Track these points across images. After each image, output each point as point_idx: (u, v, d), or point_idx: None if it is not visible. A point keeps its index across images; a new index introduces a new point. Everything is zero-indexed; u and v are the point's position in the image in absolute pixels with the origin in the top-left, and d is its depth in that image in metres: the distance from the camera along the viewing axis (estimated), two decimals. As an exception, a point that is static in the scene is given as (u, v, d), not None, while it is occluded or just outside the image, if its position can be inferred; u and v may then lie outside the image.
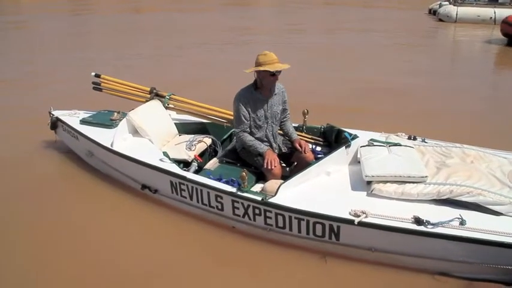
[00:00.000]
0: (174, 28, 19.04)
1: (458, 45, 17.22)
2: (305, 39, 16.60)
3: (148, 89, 5.83)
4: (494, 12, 20.69)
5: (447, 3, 23.02)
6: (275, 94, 4.63)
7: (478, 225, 3.50)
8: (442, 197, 3.80)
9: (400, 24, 20.79)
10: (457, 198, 3.76)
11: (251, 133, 4.59)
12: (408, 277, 3.72)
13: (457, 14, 21.49)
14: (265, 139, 4.67)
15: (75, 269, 3.99)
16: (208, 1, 29.44)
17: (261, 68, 4.31)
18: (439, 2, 24.35)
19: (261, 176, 4.58)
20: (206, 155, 5.25)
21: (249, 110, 4.50)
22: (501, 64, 13.98)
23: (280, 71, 4.39)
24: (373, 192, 3.96)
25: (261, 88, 4.54)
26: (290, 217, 3.91)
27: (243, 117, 4.50)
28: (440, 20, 22.34)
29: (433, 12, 24.63)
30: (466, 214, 3.62)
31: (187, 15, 23.85)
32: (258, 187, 4.39)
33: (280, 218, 3.97)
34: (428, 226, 3.52)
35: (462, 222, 3.53)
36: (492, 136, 6.68)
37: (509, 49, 15.28)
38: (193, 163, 4.95)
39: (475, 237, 3.42)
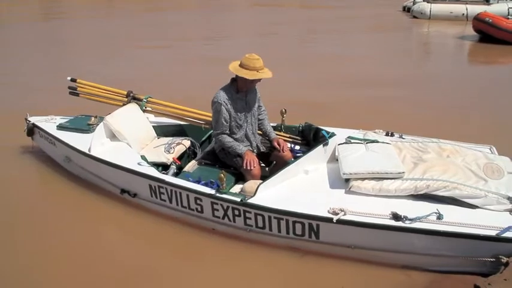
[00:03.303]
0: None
1: (433, 42, 17.43)
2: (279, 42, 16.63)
3: (125, 92, 5.79)
4: (466, 9, 21.03)
5: (421, 0, 23.27)
6: (251, 92, 4.65)
7: (454, 219, 3.56)
8: (419, 192, 3.86)
9: (374, 23, 20.94)
10: (433, 193, 3.81)
11: (232, 133, 4.60)
12: (388, 272, 3.77)
13: (430, 11, 21.76)
14: (245, 139, 4.68)
15: (52, 272, 3.97)
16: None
17: (261, 76, 4.36)
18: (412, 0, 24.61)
19: (240, 176, 4.58)
20: (185, 157, 5.23)
21: (230, 110, 4.50)
22: (475, 60, 14.18)
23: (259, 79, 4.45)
24: (351, 189, 4.00)
25: (241, 89, 4.55)
26: (269, 217, 3.92)
27: (223, 120, 4.49)
28: (415, 17, 22.59)
29: (407, 10, 24.87)
30: (443, 208, 3.68)
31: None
32: (237, 188, 4.40)
33: (259, 218, 3.98)
34: (406, 221, 3.57)
35: (439, 217, 3.59)
36: (468, 130, 6.79)
37: (482, 45, 15.51)
38: (172, 166, 4.93)
39: (453, 230, 3.48)
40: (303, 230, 3.86)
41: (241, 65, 4.38)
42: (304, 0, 31.81)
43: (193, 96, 7.45)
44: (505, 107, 8.27)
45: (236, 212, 4.08)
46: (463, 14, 21.05)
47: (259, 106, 4.82)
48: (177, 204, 4.44)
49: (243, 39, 16.46)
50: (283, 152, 4.66)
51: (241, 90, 4.55)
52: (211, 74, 8.40)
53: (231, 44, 15.42)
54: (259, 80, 4.45)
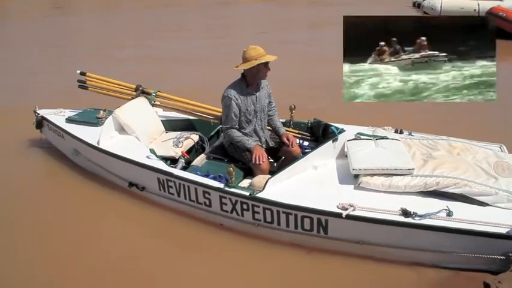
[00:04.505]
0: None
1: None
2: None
3: (134, 86, 5.79)
4: (478, 5, 20.80)
5: (431, -5, 23.08)
6: (261, 88, 4.64)
7: (464, 216, 3.53)
8: (429, 189, 3.83)
9: (385, 18, 20.75)
10: (443, 190, 3.79)
11: (241, 128, 4.59)
12: (396, 269, 3.75)
13: (441, 7, 21.56)
14: (254, 134, 4.67)
15: (59, 265, 4.00)
16: None
17: (258, 61, 4.33)
18: (423, -5, 24.42)
19: (249, 171, 4.57)
20: (193, 151, 5.23)
21: (240, 106, 4.49)
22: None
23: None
24: (360, 185, 3.98)
25: (250, 83, 4.55)
26: (278, 212, 3.92)
27: (232, 115, 4.48)
28: (425, 13, 22.37)
29: (417, 5, 24.68)
30: (453, 205, 3.66)
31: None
32: (245, 182, 4.40)
33: (268, 212, 3.97)
34: (415, 218, 3.55)
35: (449, 214, 3.57)
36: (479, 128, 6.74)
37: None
38: (181, 160, 4.92)
39: (462, 228, 3.46)
40: (311, 225, 3.85)
41: (242, 60, 4.41)
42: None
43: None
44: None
45: (244, 206, 4.07)
46: (475, 9, 20.80)
47: (269, 102, 4.80)
48: (185, 198, 4.44)
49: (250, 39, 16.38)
50: (292, 147, 4.63)
51: (250, 84, 4.55)
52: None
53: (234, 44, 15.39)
54: (265, 69, 4.45)
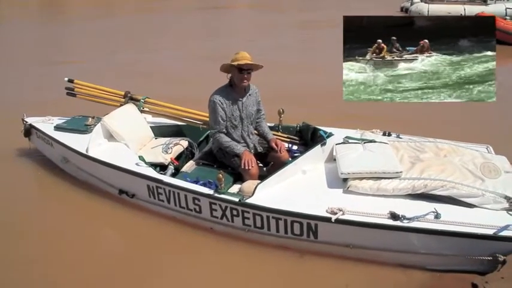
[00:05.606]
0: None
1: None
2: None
3: (123, 93, 5.78)
4: (464, 9, 21.00)
5: (419, 0, 23.27)
6: (249, 95, 4.64)
7: (452, 218, 3.57)
8: (417, 192, 3.86)
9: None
10: (431, 192, 3.82)
11: (227, 133, 4.59)
12: (386, 271, 3.77)
13: (428, 11, 21.74)
14: (241, 140, 4.67)
15: (49, 274, 3.97)
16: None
17: (230, 63, 4.38)
18: (410, 0, 24.61)
19: (238, 177, 4.58)
20: (183, 157, 5.23)
21: (225, 110, 4.50)
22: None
23: (250, 71, 4.43)
24: (349, 189, 4.00)
25: (235, 88, 4.55)
26: (268, 217, 3.93)
27: (219, 118, 4.49)
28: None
29: (404, 10, 24.87)
30: (441, 207, 3.69)
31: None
32: (235, 188, 4.41)
33: (258, 218, 3.98)
34: (404, 221, 3.58)
35: (437, 216, 3.60)
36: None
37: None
38: (170, 166, 4.93)
39: (450, 230, 3.49)
40: (301, 230, 3.87)
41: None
42: (299, 3, 31.75)
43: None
44: (501, 106, 8.26)
45: (234, 212, 4.08)
46: (461, 14, 21.02)
47: (258, 110, 4.79)
48: (175, 205, 4.44)
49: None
50: (281, 152, 4.64)
51: (237, 87, 4.53)
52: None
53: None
54: (240, 75, 4.39)
